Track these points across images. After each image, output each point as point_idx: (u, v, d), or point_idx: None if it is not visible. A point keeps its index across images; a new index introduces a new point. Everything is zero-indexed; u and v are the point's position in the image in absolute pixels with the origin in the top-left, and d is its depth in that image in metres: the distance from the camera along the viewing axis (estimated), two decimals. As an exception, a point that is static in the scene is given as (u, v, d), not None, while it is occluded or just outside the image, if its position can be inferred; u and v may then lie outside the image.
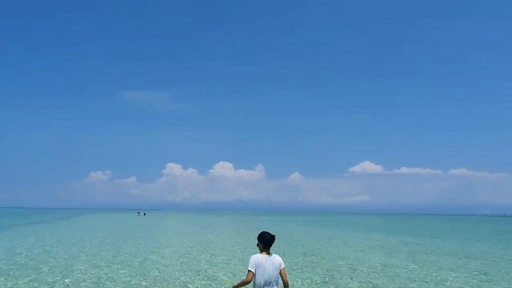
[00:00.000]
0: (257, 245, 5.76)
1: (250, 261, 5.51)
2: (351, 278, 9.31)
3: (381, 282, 8.84)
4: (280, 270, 5.60)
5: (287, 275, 5.72)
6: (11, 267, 10.29)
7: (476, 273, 10.55)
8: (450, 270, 10.91)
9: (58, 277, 9.02)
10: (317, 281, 8.80)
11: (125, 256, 13.10)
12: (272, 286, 5.49)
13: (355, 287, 8.17)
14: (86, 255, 13.02)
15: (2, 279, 8.59)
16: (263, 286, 5.44)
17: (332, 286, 8.21)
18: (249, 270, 5.40)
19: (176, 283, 8.37)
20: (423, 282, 8.87)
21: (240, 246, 17.40)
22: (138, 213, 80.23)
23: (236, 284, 5.79)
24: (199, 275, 9.44)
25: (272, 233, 5.85)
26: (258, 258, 5.54)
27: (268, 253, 5.69)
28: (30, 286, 7.90)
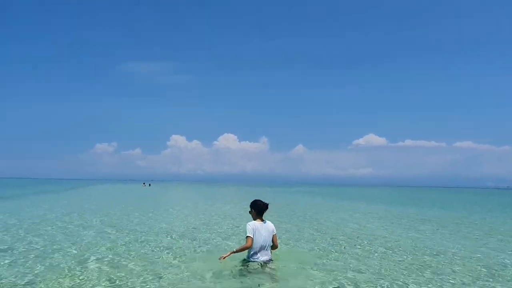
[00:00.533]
0: (250, 212, 6.30)
1: (247, 228, 5.98)
2: (354, 245, 9.38)
3: (385, 250, 8.87)
4: (273, 235, 6.18)
5: (277, 239, 6.34)
6: (24, 233, 10.45)
7: (479, 240, 10.60)
8: (451, 238, 10.96)
9: (69, 244, 9.09)
10: (322, 249, 8.87)
11: (133, 222, 13.27)
12: (266, 249, 6.04)
13: (359, 255, 8.19)
14: (97, 222, 13.19)
15: (19, 243, 8.76)
16: (259, 250, 5.95)
17: (336, 253, 8.24)
18: (248, 236, 5.89)
19: (186, 247, 8.50)
20: (426, 249, 8.91)
21: (246, 214, 17.51)
22: (144, 183, 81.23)
23: (235, 249, 6.24)
24: (206, 241, 9.56)
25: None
26: (255, 224, 6.03)
27: (262, 220, 6.15)
28: (43, 250, 8.02)
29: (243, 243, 6.17)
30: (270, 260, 6.09)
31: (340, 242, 9.81)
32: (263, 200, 6.32)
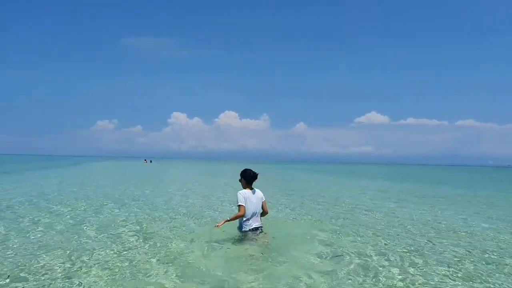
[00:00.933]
0: (240, 180, 6.41)
1: (239, 196, 6.10)
2: (353, 216, 9.28)
3: (383, 223, 8.81)
4: (262, 202, 6.40)
5: (267, 206, 6.58)
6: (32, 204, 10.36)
7: (476, 213, 10.49)
8: (452, 212, 10.85)
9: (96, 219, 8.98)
10: (322, 220, 8.85)
11: (136, 196, 13.26)
12: (257, 216, 6.30)
13: (359, 225, 8.09)
14: (100, 197, 13.11)
15: (39, 212, 8.63)
16: (251, 217, 6.16)
17: (335, 227, 8.14)
18: (240, 205, 6.05)
19: (190, 216, 8.47)
20: (427, 221, 8.81)
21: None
22: (145, 160, 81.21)
23: (228, 218, 6.34)
24: (209, 210, 9.48)
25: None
26: (246, 193, 6.17)
27: (251, 188, 6.32)
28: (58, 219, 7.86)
29: (236, 212, 6.29)
30: (261, 226, 6.29)
31: (340, 215, 9.75)
32: (255, 172, 6.35)
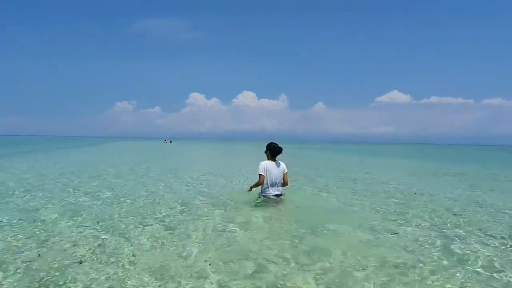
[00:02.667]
0: (265, 152, 7.11)
1: (260, 166, 6.87)
2: (374, 194, 9.00)
3: (405, 198, 8.56)
4: (284, 174, 7.00)
5: (288, 178, 7.15)
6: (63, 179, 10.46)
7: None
8: (476, 190, 10.39)
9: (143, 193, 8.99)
10: (346, 191, 8.75)
11: (162, 172, 13.30)
12: (277, 186, 6.95)
13: (379, 200, 7.88)
14: (128, 173, 13.16)
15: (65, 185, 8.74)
16: (270, 186, 6.87)
17: (360, 201, 7.92)
18: (260, 174, 6.82)
19: (218, 190, 8.42)
20: (450, 197, 8.47)
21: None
22: (165, 140, 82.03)
23: (251, 186, 7.35)
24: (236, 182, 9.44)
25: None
26: (266, 163, 6.89)
27: (275, 161, 7.01)
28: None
29: (256, 180, 7.10)
30: (281, 194, 7.02)
31: (366, 188, 9.57)
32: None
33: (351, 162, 23.92)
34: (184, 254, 4.11)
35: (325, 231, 5.14)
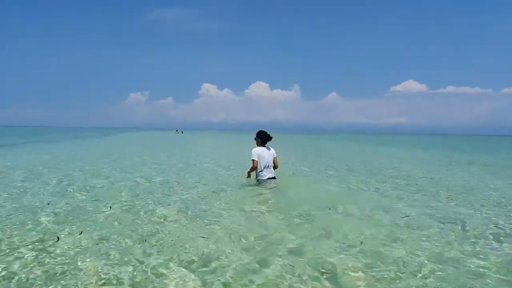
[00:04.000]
0: (255, 139, 7.72)
1: (252, 153, 7.48)
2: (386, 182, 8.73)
3: (419, 186, 8.53)
4: (274, 158, 7.74)
5: (278, 161, 7.87)
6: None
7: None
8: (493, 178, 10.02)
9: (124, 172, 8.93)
10: (358, 180, 8.75)
11: (175, 160, 13.63)
12: (270, 168, 7.65)
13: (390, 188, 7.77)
14: (141, 161, 13.24)
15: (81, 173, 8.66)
16: (264, 169, 7.56)
17: (376, 189, 7.95)
18: (253, 159, 7.46)
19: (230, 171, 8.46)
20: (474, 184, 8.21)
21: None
22: (176, 131, 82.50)
23: (247, 171, 7.97)
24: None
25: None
26: (258, 149, 7.52)
27: (265, 146, 7.67)
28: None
29: (250, 165, 7.69)
30: (274, 177, 7.69)
31: (378, 178, 9.56)
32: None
33: (359, 152, 23.58)
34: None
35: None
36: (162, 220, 4.89)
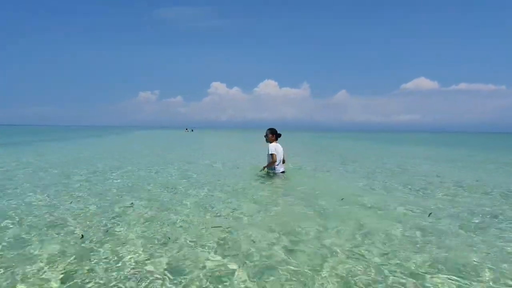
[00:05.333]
0: (266, 135, 8.34)
1: (271, 148, 8.07)
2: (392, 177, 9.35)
3: (423, 185, 8.44)
4: (284, 153, 8.40)
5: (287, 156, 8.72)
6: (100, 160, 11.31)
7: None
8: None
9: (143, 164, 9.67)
10: (362, 178, 9.04)
11: (188, 156, 14.21)
12: (282, 163, 8.30)
13: (394, 187, 8.11)
14: (153, 157, 14.06)
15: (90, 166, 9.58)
16: (278, 164, 8.16)
17: (376, 184, 8.36)
18: (272, 154, 8.03)
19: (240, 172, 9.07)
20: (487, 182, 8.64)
21: (291, 151, 17.63)
22: (186, 129, 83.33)
23: (264, 166, 8.47)
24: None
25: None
26: (275, 145, 8.14)
27: (277, 143, 8.30)
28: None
29: (266, 160, 8.45)
30: (284, 171, 8.31)
31: (378, 176, 9.87)
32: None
33: (368, 150, 23.84)
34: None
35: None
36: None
